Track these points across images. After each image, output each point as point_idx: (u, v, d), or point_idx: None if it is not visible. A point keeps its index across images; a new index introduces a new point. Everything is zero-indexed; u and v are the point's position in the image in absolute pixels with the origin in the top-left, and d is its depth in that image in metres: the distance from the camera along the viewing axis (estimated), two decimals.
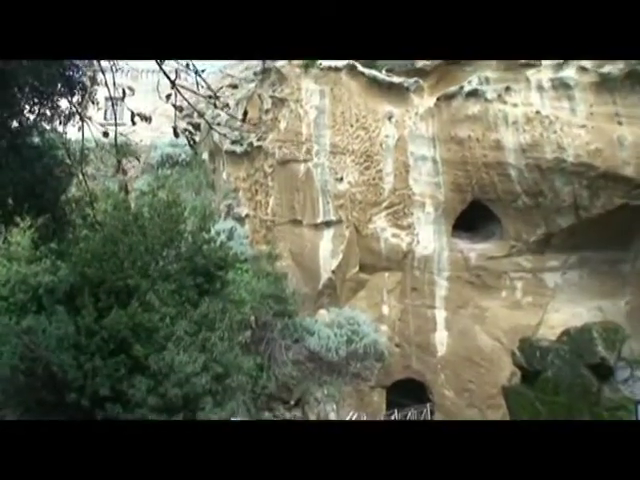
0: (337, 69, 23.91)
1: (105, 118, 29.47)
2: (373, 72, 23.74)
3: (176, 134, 6.24)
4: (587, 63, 20.84)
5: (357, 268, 23.80)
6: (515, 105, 21.79)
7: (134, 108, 6.43)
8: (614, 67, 20.41)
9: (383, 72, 23.82)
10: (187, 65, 5.93)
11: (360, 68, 23.78)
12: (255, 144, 24.99)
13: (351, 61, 23.89)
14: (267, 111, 24.74)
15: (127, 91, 6.69)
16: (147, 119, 6.26)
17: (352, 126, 23.66)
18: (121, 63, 7.73)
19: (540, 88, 21.48)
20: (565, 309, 22.80)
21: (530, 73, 21.65)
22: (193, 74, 6.05)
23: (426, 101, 23.57)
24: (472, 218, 23.53)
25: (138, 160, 25.97)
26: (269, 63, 24.89)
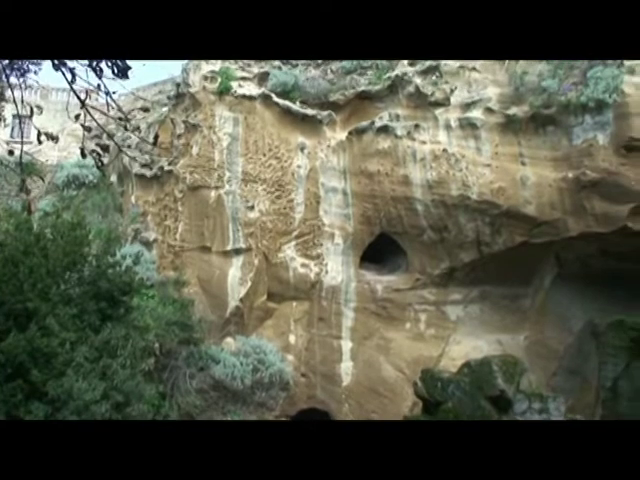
0: (252, 98, 24.02)
1: (11, 136, 28.65)
2: (287, 103, 23.95)
3: (84, 155, 6.16)
4: (494, 104, 21.59)
5: (265, 297, 23.76)
6: (423, 142, 22.34)
7: (42, 127, 6.31)
8: (519, 109, 21.21)
9: (297, 103, 24.06)
10: (98, 86, 5.89)
11: (275, 98, 23.95)
12: (166, 168, 24.76)
13: (266, 91, 24.06)
14: (179, 136, 24.58)
15: (35, 109, 6.57)
16: (54, 138, 6.16)
17: (265, 155, 23.76)
18: (31, 81, 7.59)
19: (448, 127, 22.11)
20: (466, 341, 23.33)
21: (438, 112, 22.27)
22: (104, 94, 6.01)
23: (338, 134, 23.91)
24: (380, 250, 23.89)
25: (43, 180, 25.33)
26: (183, 89, 24.78)
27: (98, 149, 6.16)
